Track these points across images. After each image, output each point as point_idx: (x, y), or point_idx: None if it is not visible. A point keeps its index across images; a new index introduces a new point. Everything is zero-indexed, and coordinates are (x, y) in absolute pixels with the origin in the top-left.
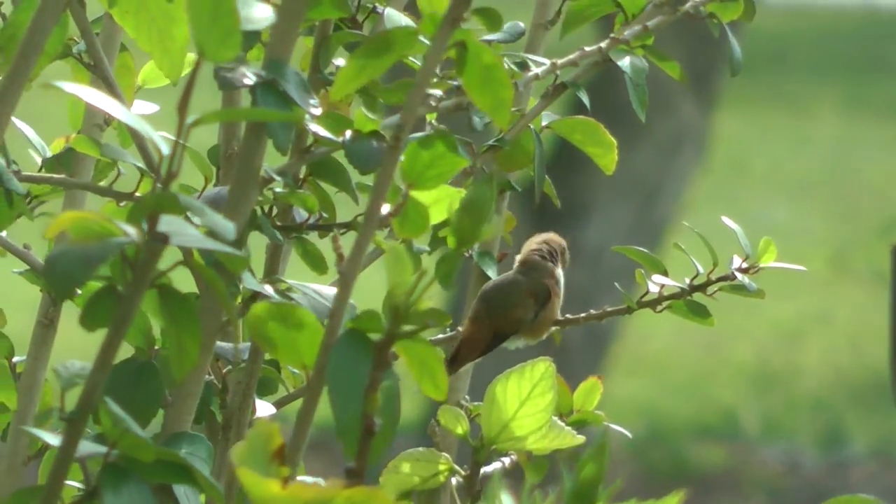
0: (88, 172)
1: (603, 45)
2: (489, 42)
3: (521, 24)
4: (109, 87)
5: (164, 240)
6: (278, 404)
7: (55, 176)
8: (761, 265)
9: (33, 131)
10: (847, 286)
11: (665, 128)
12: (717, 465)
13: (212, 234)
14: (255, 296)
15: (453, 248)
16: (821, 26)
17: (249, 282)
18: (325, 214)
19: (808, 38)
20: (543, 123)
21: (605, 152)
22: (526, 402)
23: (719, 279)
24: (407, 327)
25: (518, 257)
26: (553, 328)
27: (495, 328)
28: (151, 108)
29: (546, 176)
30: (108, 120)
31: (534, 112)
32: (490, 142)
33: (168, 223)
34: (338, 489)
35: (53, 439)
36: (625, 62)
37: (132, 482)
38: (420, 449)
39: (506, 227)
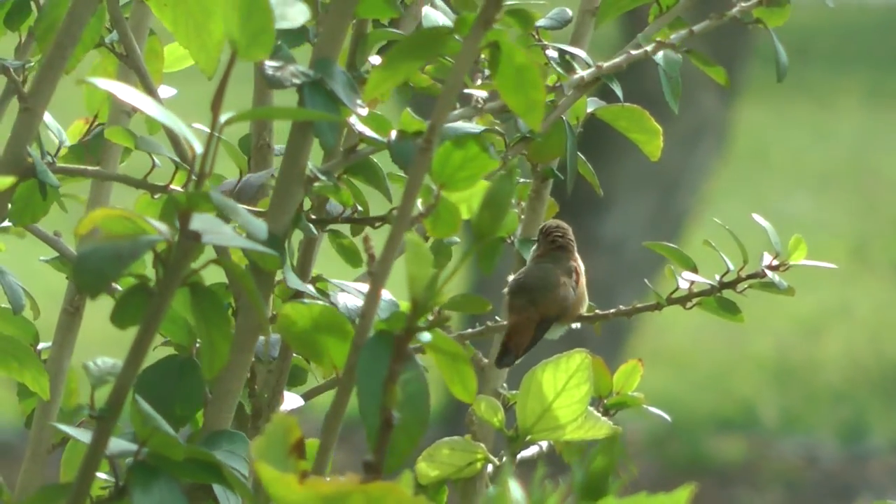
0: (116, 160)
1: (649, 48)
2: (536, 29)
3: (569, 12)
4: (141, 78)
5: (196, 238)
6: (307, 396)
7: (90, 168)
8: (791, 262)
9: (50, 116)
10: (867, 279)
11: (686, 119)
12: (735, 457)
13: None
14: (298, 294)
15: (475, 241)
16: (843, 19)
17: (292, 280)
18: (360, 208)
19: (830, 30)
20: (589, 110)
21: (650, 139)
22: (562, 393)
23: (749, 276)
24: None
25: (530, 255)
26: (580, 320)
27: (542, 312)
28: (169, 91)
29: (588, 165)
30: (134, 109)
31: (566, 104)
32: (522, 133)
33: (201, 221)
34: (355, 483)
35: (81, 435)
36: (659, 55)
37: (162, 480)
38: (456, 438)
39: (548, 214)
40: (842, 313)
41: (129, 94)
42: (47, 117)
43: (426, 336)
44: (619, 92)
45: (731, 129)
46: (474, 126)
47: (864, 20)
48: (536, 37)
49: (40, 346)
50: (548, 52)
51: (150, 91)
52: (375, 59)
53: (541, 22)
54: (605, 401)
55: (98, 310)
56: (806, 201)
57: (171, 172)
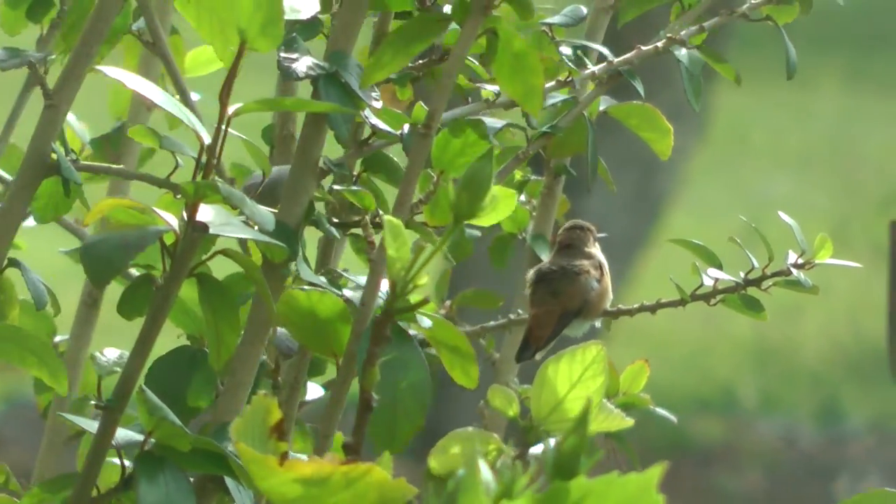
0: (135, 155)
1: (659, 44)
2: (550, 25)
3: (584, 9)
4: (168, 65)
5: (203, 229)
6: (328, 385)
7: (114, 167)
8: (817, 261)
9: (73, 115)
10: (847, 260)
11: (665, 100)
12: (714, 438)
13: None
14: (311, 286)
15: (452, 223)
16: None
17: (305, 272)
18: (381, 212)
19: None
20: (601, 108)
21: (660, 137)
22: (577, 385)
23: (775, 274)
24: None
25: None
26: (604, 317)
27: (563, 305)
28: (193, 97)
29: (603, 162)
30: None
31: (588, 99)
32: (543, 128)
33: (208, 212)
34: (335, 465)
35: (90, 425)
36: (681, 53)
37: (168, 471)
38: (470, 429)
39: (560, 210)
40: (821, 294)
41: (136, 82)
42: (70, 116)
43: (427, 322)
44: (640, 88)
45: (710, 110)
46: (496, 121)
47: (845, 1)
48: (550, 33)
49: (57, 338)
50: (561, 48)
51: (176, 79)
52: None
53: (555, 19)
54: (613, 401)
55: (117, 301)
56: (785, 182)
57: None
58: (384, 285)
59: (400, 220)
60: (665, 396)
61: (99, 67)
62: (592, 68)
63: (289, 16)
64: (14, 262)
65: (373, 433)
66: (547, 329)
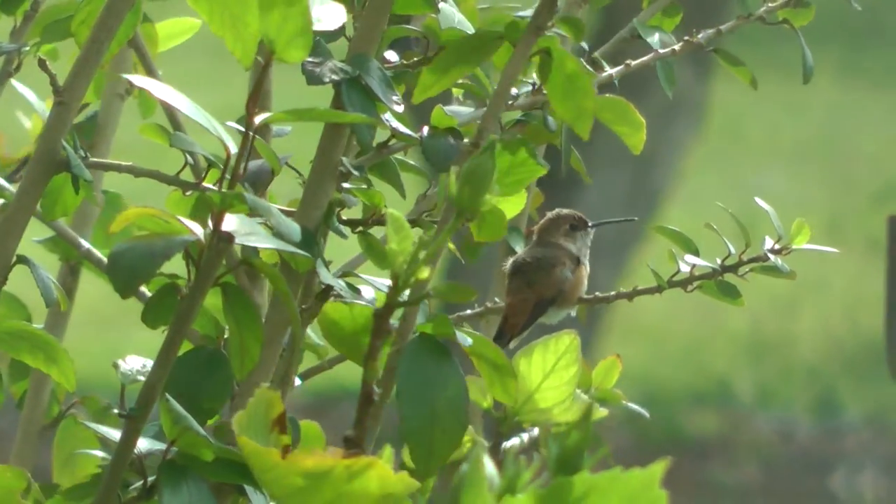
0: (109, 144)
1: (677, 47)
2: (521, 17)
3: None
4: (142, 59)
5: (229, 238)
6: (304, 376)
7: (123, 164)
8: (794, 247)
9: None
10: (842, 254)
11: (661, 96)
12: (710, 432)
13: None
14: (328, 289)
15: (454, 218)
16: None
17: (324, 275)
18: (386, 209)
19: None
20: None
21: (633, 131)
22: (550, 375)
23: (751, 260)
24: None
25: (534, 237)
26: (580, 304)
27: (538, 293)
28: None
29: (576, 152)
30: (129, 90)
31: None
32: (518, 116)
33: (234, 222)
34: (337, 458)
35: (113, 434)
36: (654, 38)
37: (191, 480)
38: None
39: (533, 203)
40: (817, 288)
41: (164, 91)
42: (39, 105)
43: (467, 340)
44: (612, 76)
45: (706, 105)
46: (466, 110)
47: None
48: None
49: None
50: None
51: (151, 71)
52: (391, 55)
53: (526, 12)
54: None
55: (89, 290)
56: (780, 177)
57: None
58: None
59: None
60: (661, 390)
61: (127, 76)
62: (610, 71)
63: (316, 27)
64: (23, 259)
65: (411, 452)
66: (521, 317)
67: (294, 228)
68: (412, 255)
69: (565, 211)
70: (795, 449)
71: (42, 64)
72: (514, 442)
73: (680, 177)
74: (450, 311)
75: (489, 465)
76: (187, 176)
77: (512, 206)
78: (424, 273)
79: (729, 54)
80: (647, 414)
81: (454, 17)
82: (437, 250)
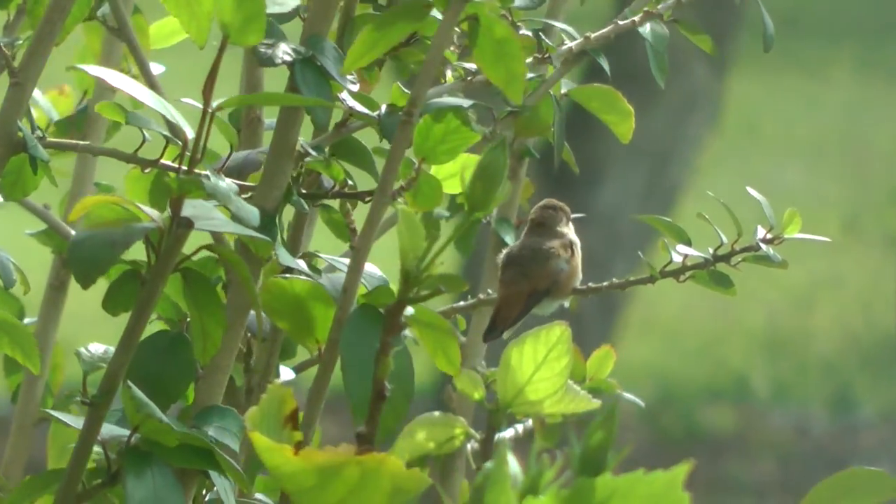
0: (101, 134)
1: (637, 18)
2: (509, 8)
3: None
4: (133, 51)
5: (188, 224)
6: (298, 369)
7: (80, 143)
8: (785, 236)
9: (39, 92)
10: (859, 250)
11: (678, 91)
12: (727, 428)
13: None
14: (288, 271)
15: (467, 213)
16: None
17: (284, 256)
18: (350, 182)
19: (821, 0)
20: (562, 91)
21: (621, 120)
22: (541, 366)
23: (743, 249)
24: (420, 292)
25: (524, 231)
26: (573, 295)
27: (532, 285)
28: (158, 68)
29: (566, 143)
30: None
31: (553, 78)
32: (509, 108)
33: (193, 207)
34: (349, 455)
35: (74, 422)
36: (645, 28)
37: (155, 466)
38: (436, 413)
39: (524, 194)
40: (833, 284)
41: (119, 80)
42: (36, 93)
43: (408, 310)
44: (606, 66)
45: (722, 100)
46: (463, 100)
47: None
48: (509, 18)
49: (25, 321)
50: (521, 31)
51: (142, 65)
52: None
53: (516, 2)
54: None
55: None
56: (798, 172)
57: (161, 146)
58: (371, 270)
59: (382, 206)
60: (678, 387)
61: (82, 66)
62: (569, 44)
63: (270, 10)
64: None
65: (356, 423)
66: (515, 309)
67: (253, 213)
68: (424, 252)
69: (555, 201)
70: (811, 445)
71: None
72: (509, 433)
73: (696, 172)
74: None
75: (513, 463)
76: (146, 154)
77: (457, 184)
78: (436, 269)
79: (690, 24)
80: (641, 403)
81: None
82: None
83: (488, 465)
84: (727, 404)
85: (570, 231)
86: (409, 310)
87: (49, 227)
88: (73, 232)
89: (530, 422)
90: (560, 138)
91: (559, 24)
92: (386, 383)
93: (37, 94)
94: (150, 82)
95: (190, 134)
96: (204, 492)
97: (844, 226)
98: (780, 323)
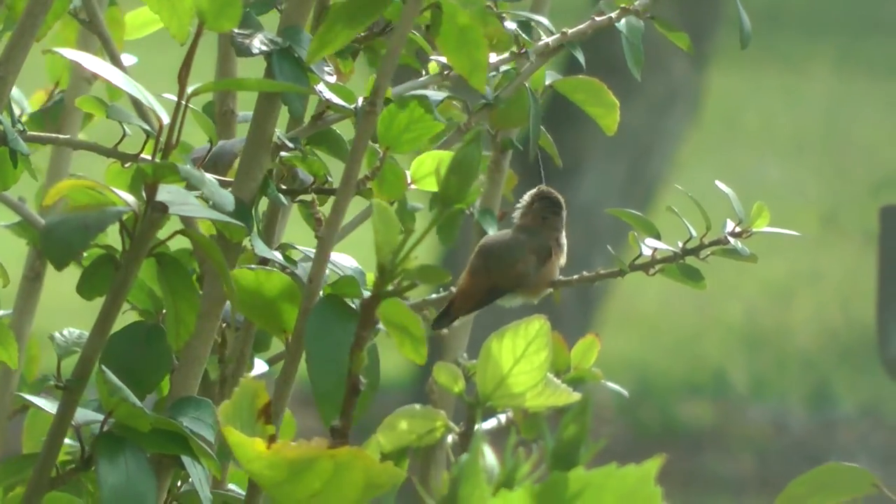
0: (77, 127)
1: (613, 14)
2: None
3: None
4: (104, 44)
5: (163, 209)
6: (271, 361)
7: (61, 136)
8: (754, 230)
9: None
10: (838, 245)
11: (657, 85)
12: (705, 423)
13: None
14: (264, 262)
15: (441, 208)
16: None
17: (259, 247)
18: (330, 178)
19: None
20: (546, 82)
21: (606, 112)
22: (521, 360)
23: (712, 243)
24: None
25: (515, 215)
26: (549, 289)
27: (494, 282)
28: (130, 59)
29: (548, 135)
30: (95, 75)
31: (528, 70)
32: (484, 100)
33: (167, 192)
34: (322, 449)
35: (46, 405)
36: (621, 22)
37: (128, 451)
38: (416, 406)
39: (507, 186)
40: (812, 279)
41: (95, 63)
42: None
43: None
44: (581, 60)
45: (702, 95)
46: (437, 93)
47: None
48: (494, 8)
49: (0, 312)
50: (507, 23)
51: (114, 57)
52: None
53: None
54: (563, 377)
55: (61, 275)
56: (777, 167)
57: (141, 140)
58: (340, 259)
59: (348, 196)
60: (656, 381)
61: (57, 49)
62: (546, 39)
63: None
64: None
65: (322, 415)
66: (470, 302)
67: (228, 199)
68: (399, 246)
69: (548, 192)
70: (789, 440)
71: None
72: (491, 423)
73: (676, 166)
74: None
75: (489, 455)
76: (126, 148)
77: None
78: (411, 264)
79: (666, 21)
80: (626, 393)
81: None
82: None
83: (463, 458)
84: (705, 399)
85: (560, 229)
86: None
87: (23, 220)
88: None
89: (511, 413)
90: (535, 130)
91: (538, 17)
92: (361, 378)
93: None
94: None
95: (165, 120)
96: (179, 483)
97: (823, 220)
98: (758, 318)
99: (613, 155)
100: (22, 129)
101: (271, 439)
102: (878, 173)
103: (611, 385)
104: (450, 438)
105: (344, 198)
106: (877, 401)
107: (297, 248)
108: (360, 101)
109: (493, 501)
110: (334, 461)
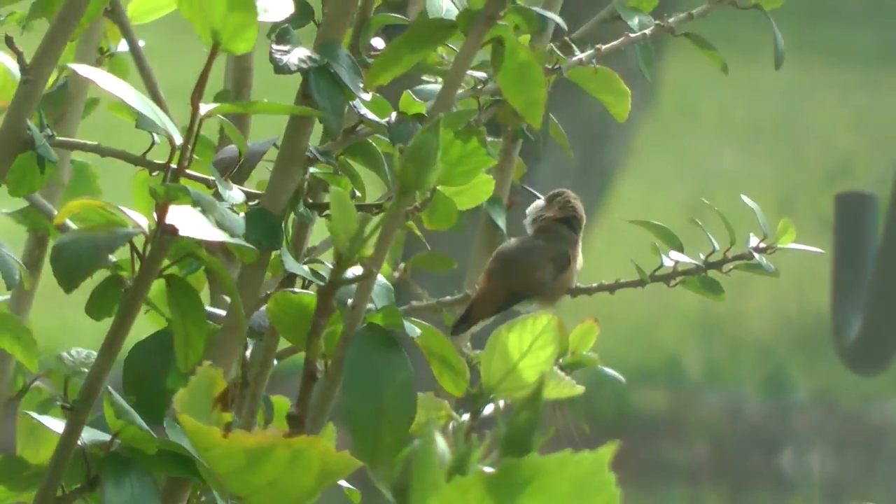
0: (78, 116)
1: (648, 31)
2: None
3: None
4: (125, 32)
5: (173, 231)
6: (278, 356)
7: (89, 143)
8: (779, 246)
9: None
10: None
11: (614, 71)
12: (660, 410)
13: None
14: (292, 276)
15: (398, 197)
16: None
17: (289, 262)
18: (357, 193)
19: None
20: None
21: (618, 101)
22: (527, 354)
23: (736, 258)
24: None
25: (527, 220)
26: (566, 296)
27: (512, 288)
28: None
29: (560, 126)
30: (99, 60)
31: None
32: (495, 98)
33: (178, 214)
34: (279, 437)
35: (56, 425)
36: (633, 21)
37: (134, 474)
38: (420, 394)
39: (516, 174)
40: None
41: (108, 82)
42: (10, 62)
43: (416, 331)
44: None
45: (658, 82)
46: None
47: None
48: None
49: None
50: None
51: (133, 45)
52: (378, 42)
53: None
54: (561, 360)
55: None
56: (733, 154)
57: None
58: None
59: (394, 226)
60: (611, 368)
61: (71, 66)
62: (580, 55)
63: (262, 18)
64: None
65: (356, 445)
66: (489, 308)
67: (237, 222)
68: (356, 233)
69: (569, 197)
70: (744, 427)
71: (9, 42)
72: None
73: (632, 153)
74: (431, 296)
75: (441, 442)
76: (155, 156)
77: (470, 198)
78: (369, 251)
79: (700, 38)
80: (623, 380)
81: (442, 5)
82: (385, 229)
83: (415, 443)
84: (660, 386)
85: (578, 237)
86: (417, 331)
87: (29, 206)
88: (55, 211)
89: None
90: (546, 125)
91: (552, 16)
92: (318, 364)
93: (10, 62)
94: (141, 66)
95: (178, 141)
96: (199, 492)
97: (779, 208)
98: (713, 305)
99: (570, 141)
100: (50, 134)
101: (227, 427)
102: (834, 161)
103: (609, 371)
104: (451, 427)
105: (391, 227)
106: (831, 388)
107: (324, 263)
108: (394, 115)
109: (446, 487)
110: (290, 449)
